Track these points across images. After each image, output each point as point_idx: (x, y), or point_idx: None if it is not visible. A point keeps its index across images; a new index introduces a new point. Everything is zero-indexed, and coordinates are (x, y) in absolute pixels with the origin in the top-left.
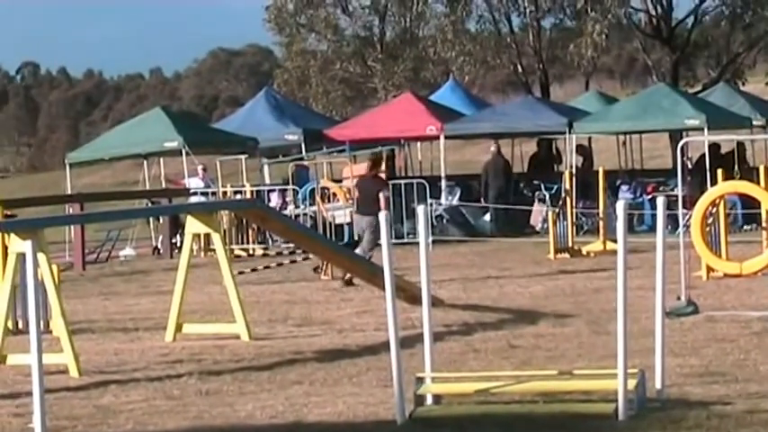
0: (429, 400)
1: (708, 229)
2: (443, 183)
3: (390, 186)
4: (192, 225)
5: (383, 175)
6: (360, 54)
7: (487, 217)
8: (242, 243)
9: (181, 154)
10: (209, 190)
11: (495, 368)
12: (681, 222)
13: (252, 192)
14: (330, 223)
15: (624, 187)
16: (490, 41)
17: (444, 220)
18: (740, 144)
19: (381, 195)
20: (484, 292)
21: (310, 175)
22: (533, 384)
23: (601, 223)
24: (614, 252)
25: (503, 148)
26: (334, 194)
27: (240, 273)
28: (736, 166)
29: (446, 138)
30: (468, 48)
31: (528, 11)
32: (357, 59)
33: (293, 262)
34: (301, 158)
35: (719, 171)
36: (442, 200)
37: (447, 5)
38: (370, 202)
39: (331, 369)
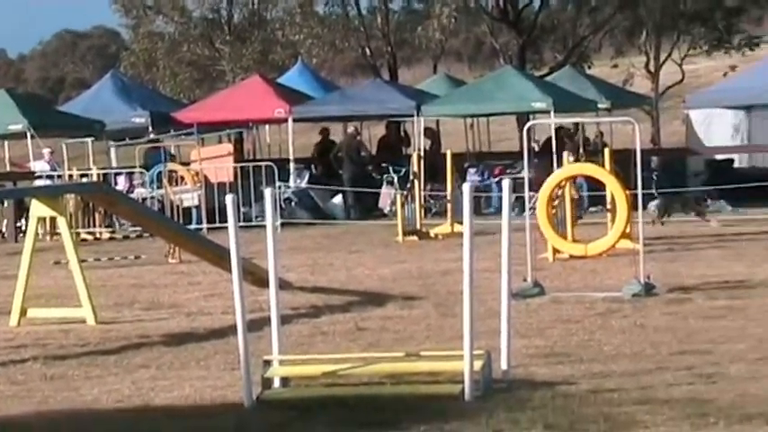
0: (277, 383)
1: (554, 211)
2: (292, 166)
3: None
4: (37, 209)
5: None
6: (207, 36)
7: (337, 200)
8: (88, 227)
9: (26, 137)
10: (55, 173)
11: (343, 350)
12: (527, 204)
13: (98, 175)
14: (178, 206)
15: (472, 170)
16: (338, 24)
17: (293, 203)
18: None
19: None
20: (332, 274)
21: (165, 155)
22: (381, 366)
23: (449, 206)
24: (462, 234)
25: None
26: (182, 178)
27: (83, 261)
28: (581, 149)
29: (294, 121)
30: (316, 30)
31: None
32: (205, 42)
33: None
34: (156, 140)
35: (565, 153)
36: (291, 183)
37: None
38: None
39: (178, 352)
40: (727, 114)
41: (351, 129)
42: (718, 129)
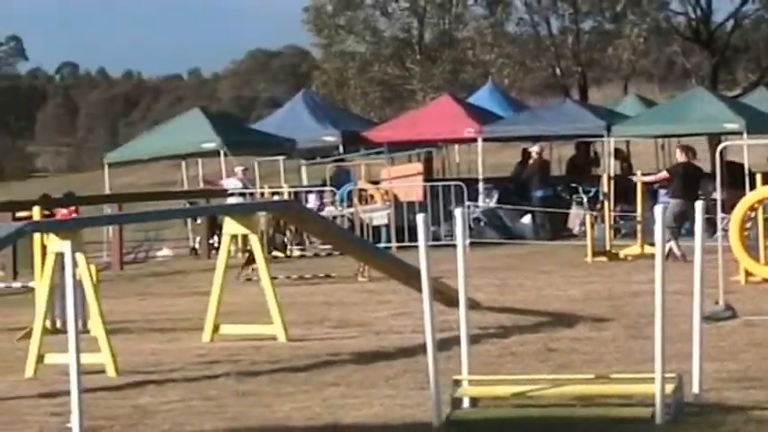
0: (466, 403)
1: (746, 233)
2: (481, 185)
3: (429, 188)
4: (231, 226)
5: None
6: (398, 56)
7: (525, 220)
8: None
9: (219, 155)
10: (247, 191)
11: (533, 371)
12: (719, 227)
13: (290, 193)
14: (367, 225)
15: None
16: (529, 44)
17: (482, 223)
18: None
19: None
20: (521, 294)
21: (351, 176)
22: (571, 388)
23: (639, 227)
24: (652, 256)
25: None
26: (372, 196)
27: (274, 278)
28: None
29: (484, 140)
30: (506, 50)
31: (567, 14)
32: (395, 61)
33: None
34: (341, 159)
35: (759, 177)
36: (480, 202)
37: (486, 8)
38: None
39: (367, 371)
40: None
41: (537, 148)
42: None
